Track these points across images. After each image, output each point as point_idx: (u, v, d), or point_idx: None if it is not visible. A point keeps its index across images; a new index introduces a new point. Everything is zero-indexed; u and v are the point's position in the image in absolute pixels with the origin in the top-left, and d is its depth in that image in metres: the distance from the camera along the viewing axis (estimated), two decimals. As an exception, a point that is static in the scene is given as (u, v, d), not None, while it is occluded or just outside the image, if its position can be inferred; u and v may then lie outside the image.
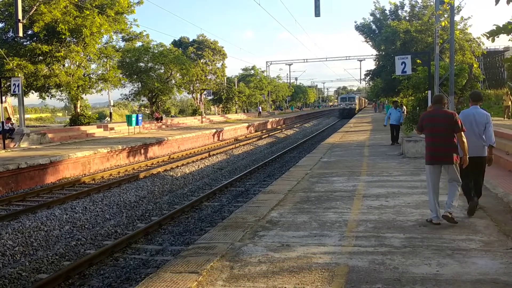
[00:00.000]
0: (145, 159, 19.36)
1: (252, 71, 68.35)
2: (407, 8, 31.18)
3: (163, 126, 32.19)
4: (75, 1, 22.87)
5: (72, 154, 15.15)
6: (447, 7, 13.72)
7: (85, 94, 26.02)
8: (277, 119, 49.54)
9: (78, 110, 26.37)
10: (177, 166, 16.91)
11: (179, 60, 36.33)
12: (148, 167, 16.88)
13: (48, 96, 25.11)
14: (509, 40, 4.59)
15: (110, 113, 40.92)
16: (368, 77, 40.29)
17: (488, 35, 4.39)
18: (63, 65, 23.88)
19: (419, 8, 30.27)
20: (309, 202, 7.25)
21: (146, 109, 44.92)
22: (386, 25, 29.26)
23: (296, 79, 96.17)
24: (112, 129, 26.25)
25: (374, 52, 37.04)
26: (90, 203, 11.13)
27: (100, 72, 26.71)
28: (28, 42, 22.92)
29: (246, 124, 37.03)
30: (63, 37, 21.91)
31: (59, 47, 22.45)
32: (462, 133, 5.55)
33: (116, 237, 8.99)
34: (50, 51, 21.82)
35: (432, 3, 27.24)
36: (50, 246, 8.53)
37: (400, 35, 27.28)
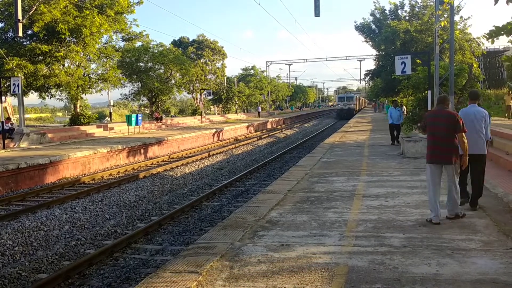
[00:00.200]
0: (145, 159, 19.36)
1: (252, 71, 68.35)
2: (407, 8, 31.18)
3: (163, 126, 32.20)
4: (75, 1, 22.86)
5: (71, 154, 15.15)
6: (447, 7, 13.71)
7: (85, 94, 26.02)
8: (277, 119, 49.53)
9: (78, 110, 26.37)
10: (177, 166, 16.91)
11: (179, 60, 36.32)
12: (148, 167, 16.88)
13: (48, 96, 25.09)
14: (508, 41, 4.58)
15: (110, 113, 40.95)
16: (368, 77, 40.24)
17: (487, 37, 4.39)
18: (63, 65, 23.88)
19: (419, 8, 30.25)
20: (308, 202, 7.25)
21: (146, 109, 44.92)
22: (386, 25, 29.24)
23: (296, 79, 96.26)
24: (112, 129, 26.25)
25: (374, 52, 37.03)
26: (90, 203, 11.12)
27: (100, 72, 26.74)
28: (28, 42, 22.91)
29: (246, 124, 37.03)
30: (63, 37, 21.90)
31: (59, 47, 22.45)
32: (464, 134, 5.61)
33: (116, 237, 8.98)
34: (49, 51, 21.81)
35: (432, 3, 27.22)
36: (50, 246, 8.53)
37: (400, 35, 27.27)
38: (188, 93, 48.68)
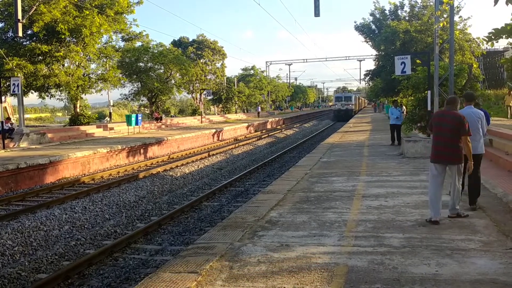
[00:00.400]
0: (145, 159, 19.36)
1: (252, 71, 68.35)
2: (406, 8, 31.18)
3: (163, 126, 32.20)
4: (75, 1, 22.86)
5: (71, 154, 15.15)
6: (447, 7, 13.70)
7: (85, 94, 26.01)
8: (277, 119, 49.53)
9: (78, 110, 26.37)
10: (177, 166, 16.91)
11: (179, 60, 36.32)
12: (148, 167, 16.88)
13: (47, 96, 25.09)
14: (508, 44, 4.57)
15: (110, 113, 40.97)
16: (368, 77, 40.23)
17: (487, 40, 4.37)
18: (63, 65, 23.87)
19: (418, 8, 30.26)
20: (308, 202, 7.25)
21: (145, 109, 44.92)
22: (386, 25, 29.24)
23: (295, 79, 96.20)
24: (111, 129, 26.25)
25: (374, 52, 37.00)
26: (89, 203, 11.12)
27: (99, 72, 26.74)
28: (27, 42, 22.90)
29: (246, 124, 37.04)
30: (63, 37, 21.90)
31: (59, 47, 22.45)
32: (468, 137, 5.63)
33: (116, 237, 8.98)
34: (49, 51, 21.80)
35: (431, 3, 27.23)
36: (50, 246, 8.53)
37: (400, 35, 27.26)
38: (188, 93, 48.71)
